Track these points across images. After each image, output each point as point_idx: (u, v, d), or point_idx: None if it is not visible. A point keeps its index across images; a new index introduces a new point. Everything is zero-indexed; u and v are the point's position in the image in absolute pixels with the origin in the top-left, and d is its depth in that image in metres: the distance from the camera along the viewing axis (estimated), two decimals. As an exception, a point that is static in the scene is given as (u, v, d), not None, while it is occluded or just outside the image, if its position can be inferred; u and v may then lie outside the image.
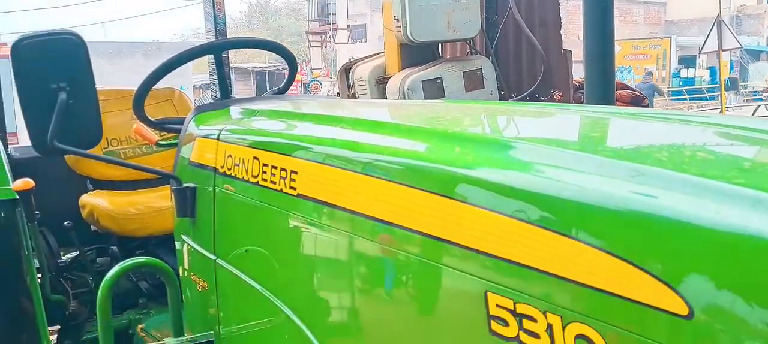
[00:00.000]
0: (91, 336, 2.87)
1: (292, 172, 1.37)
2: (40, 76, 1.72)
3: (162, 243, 3.05)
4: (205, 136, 1.88)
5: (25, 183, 2.41)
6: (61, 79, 1.72)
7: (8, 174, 2.42)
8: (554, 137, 1.27)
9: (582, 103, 5.40)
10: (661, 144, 1.11)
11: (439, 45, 4.76)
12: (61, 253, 3.05)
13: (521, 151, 1.07)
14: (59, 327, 2.93)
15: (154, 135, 2.24)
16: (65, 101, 1.71)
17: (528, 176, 0.96)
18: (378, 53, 5.11)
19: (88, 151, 1.86)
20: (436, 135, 1.24)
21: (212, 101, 2.48)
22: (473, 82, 4.48)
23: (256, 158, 1.52)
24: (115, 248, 3.17)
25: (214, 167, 1.74)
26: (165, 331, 2.64)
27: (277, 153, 1.47)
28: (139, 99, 2.21)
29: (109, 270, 3.11)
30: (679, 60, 29.31)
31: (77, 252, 3.05)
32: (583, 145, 1.16)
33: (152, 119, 2.30)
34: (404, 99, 4.30)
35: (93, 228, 3.08)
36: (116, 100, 3.31)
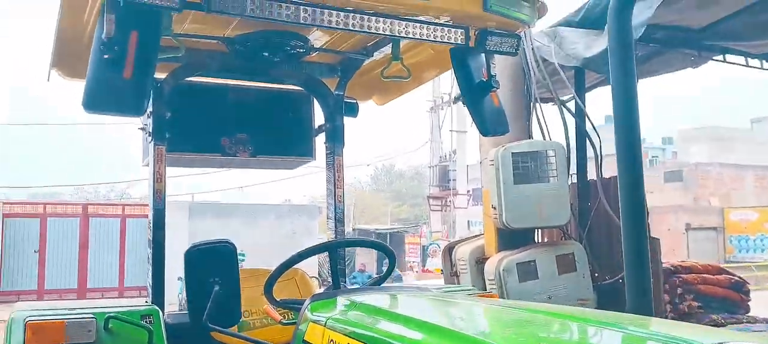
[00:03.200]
0: None
1: None
2: (203, 273, 2.37)
3: None
4: (316, 321, 2.41)
5: None
6: (216, 274, 2.36)
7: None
8: None
9: (678, 290, 5.51)
10: None
11: (535, 229, 5.17)
12: None
13: None
14: None
15: (278, 315, 2.82)
16: (218, 292, 2.34)
17: None
18: (478, 235, 5.59)
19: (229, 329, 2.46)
20: None
21: (325, 290, 3.04)
22: (565, 265, 4.82)
23: None
24: None
25: None
26: None
27: None
28: (270, 285, 2.82)
29: None
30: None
31: None
32: None
33: (278, 299, 2.89)
34: (500, 280, 4.70)
35: None
36: (250, 277, 3.99)
